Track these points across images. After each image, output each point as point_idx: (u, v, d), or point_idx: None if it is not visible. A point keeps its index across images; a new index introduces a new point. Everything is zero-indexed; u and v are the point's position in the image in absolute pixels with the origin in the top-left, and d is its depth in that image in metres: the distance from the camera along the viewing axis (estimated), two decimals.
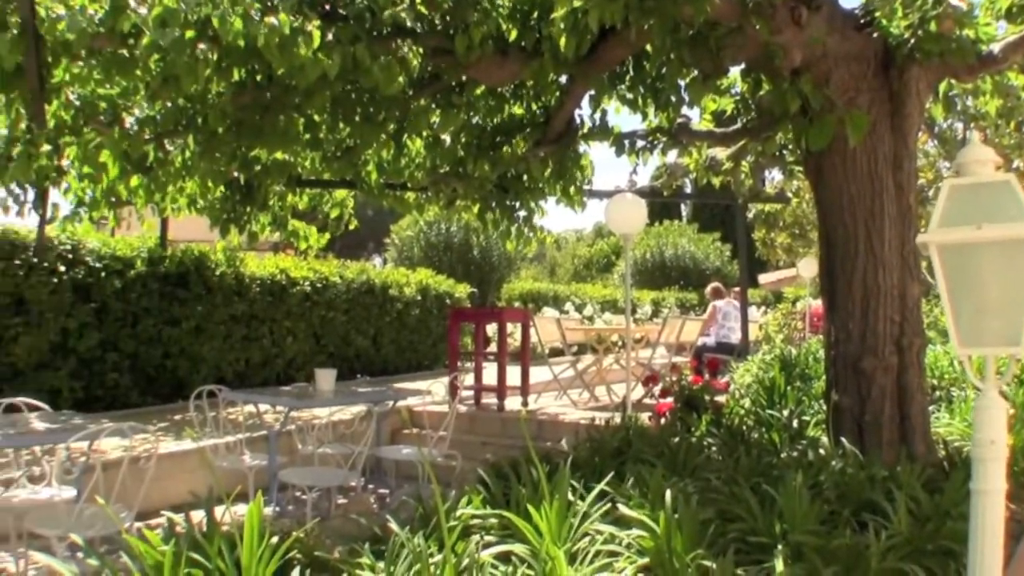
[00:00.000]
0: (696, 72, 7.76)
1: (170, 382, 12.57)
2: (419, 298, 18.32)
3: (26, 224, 10.73)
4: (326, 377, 8.14)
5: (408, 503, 5.08)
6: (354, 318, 16.35)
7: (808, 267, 17.26)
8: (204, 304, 12.98)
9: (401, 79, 7.49)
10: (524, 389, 11.87)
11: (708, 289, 16.50)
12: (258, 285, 14.09)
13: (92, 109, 8.16)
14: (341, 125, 9.26)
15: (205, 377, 12.62)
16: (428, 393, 9.03)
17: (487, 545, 4.11)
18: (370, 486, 9.02)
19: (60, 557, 5.08)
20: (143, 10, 6.37)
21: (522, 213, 11.64)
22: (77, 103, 8.11)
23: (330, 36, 6.84)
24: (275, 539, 3.67)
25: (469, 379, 12.19)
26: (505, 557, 4.12)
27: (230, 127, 8.05)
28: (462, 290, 20.29)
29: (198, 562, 3.42)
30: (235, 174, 10.27)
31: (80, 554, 5.33)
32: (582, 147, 10.82)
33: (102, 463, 5.30)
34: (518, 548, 4.10)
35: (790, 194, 18.34)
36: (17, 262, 10.80)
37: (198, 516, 3.90)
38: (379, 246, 40.13)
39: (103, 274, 11.68)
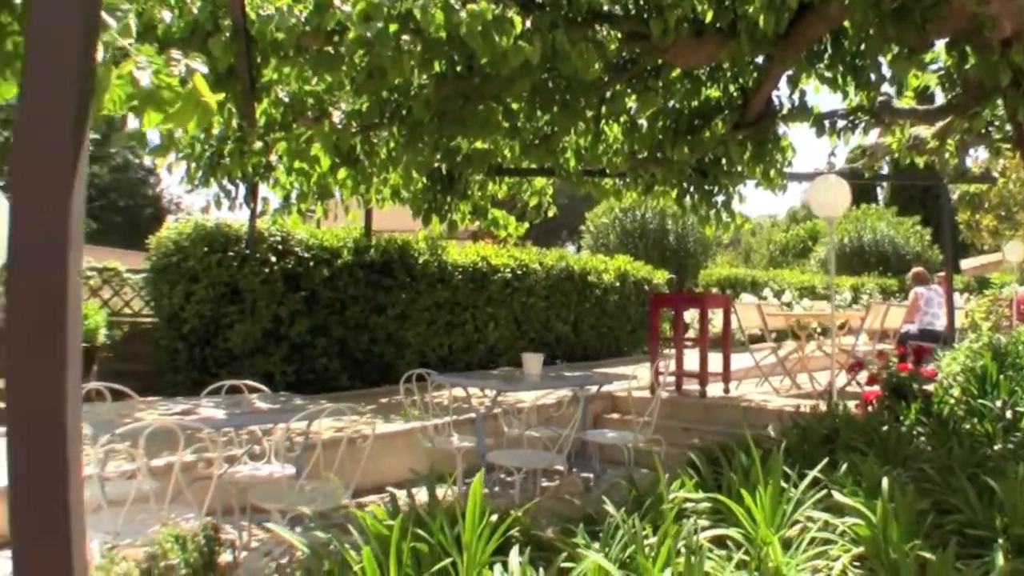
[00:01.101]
0: (899, 47, 7.47)
1: (376, 366, 12.89)
2: (617, 284, 18.22)
3: (237, 218, 11.19)
4: (533, 361, 8.19)
5: (619, 485, 5.06)
6: (554, 304, 16.34)
7: (1015, 251, 16.32)
8: (408, 291, 13.26)
9: (598, 65, 7.47)
10: (726, 375, 11.70)
11: (910, 274, 15.82)
12: (460, 273, 14.27)
13: (300, 105, 8.44)
14: (539, 113, 9.29)
15: (410, 362, 12.88)
16: (633, 378, 9.00)
17: (700, 529, 4.06)
18: (574, 469, 9.05)
19: (282, 526, 5.30)
20: (346, 7, 6.54)
21: (720, 198, 11.45)
22: (286, 100, 8.39)
23: (528, 23, 6.88)
24: (494, 517, 3.70)
25: (668, 365, 12.07)
26: (718, 541, 4.06)
27: (433, 117, 8.19)
28: (660, 276, 20.10)
29: (421, 537, 3.49)
30: (436, 164, 10.46)
31: (298, 528, 5.54)
32: (781, 128, 10.59)
33: (321, 442, 5.48)
34: (732, 532, 4.04)
35: (996, 173, 17.42)
36: (231, 253, 11.33)
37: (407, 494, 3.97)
38: (572, 233, 40.23)
39: (312, 264, 12.09)
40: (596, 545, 3.91)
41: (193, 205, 36.87)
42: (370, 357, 12.84)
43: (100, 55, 2.57)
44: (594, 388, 8.85)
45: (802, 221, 49.41)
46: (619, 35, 7.85)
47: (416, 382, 8.07)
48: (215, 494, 4.88)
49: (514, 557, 3.49)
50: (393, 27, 6.36)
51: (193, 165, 10.13)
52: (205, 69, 2.94)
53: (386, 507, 3.85)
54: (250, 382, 6.89)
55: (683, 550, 3.65)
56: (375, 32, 6.21)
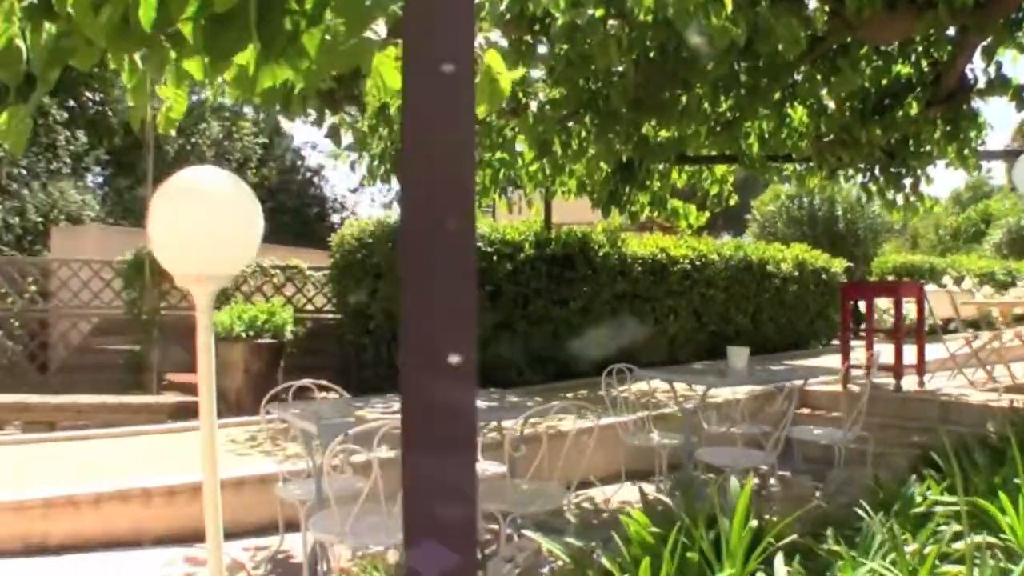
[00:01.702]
0: None
1: (559, 361, 12.75)
2: (796, 274, 17.69)
3: None
4: (739, 355, 7.90)
5: (849, 486, 4.76)
6: (733, 295, 15.91)
7: None
8: (590, 284, 13.08)
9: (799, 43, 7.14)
10: (920, 368, 11.11)
11: None
12: (640, 264, 14.02)
13: None
14: (723, 98, 9.00)
15: (592, 356, 12.72)
16: (842, 371, 8.62)
17: (957, 536, 3.74)
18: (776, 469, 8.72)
19: (504, 532, 5.16)
20: None
21: (907, 180, 10.92)
22: None
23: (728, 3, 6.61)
24: (753, 522, 3.48)
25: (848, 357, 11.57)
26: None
27: (630, 105, 7.97)
28: (838, 265, 19.42)
29: (686, 545, 3.28)
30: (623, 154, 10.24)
31: (508, 531, 5.40)
32: (976, 104, 10.04)
33: (547, 438, 5.31)
34: (992, 540, 3.71)
35: None
36: None
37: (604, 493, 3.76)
38: (729, 222, 39.38)
39: (495, 258, 12.01)
40: (854, 553, 3.64)
41: (357, 204, 37.54)
42: (553, 351, 12.70)
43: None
44: (799, 382, 8.50)
45: (968, 204, 47.30)
46: (826, 9, 7.50)
47: (615, 376, 7.87)
48: None
49: (780, 567, 3.26)
50: (599, 12, 6.17)
51: (375, 162, 10.13)
52: (504, 42, 2.77)
53: (644, 511, 3.64)
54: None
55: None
56: (584, 18, 6.02)
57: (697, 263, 15.11)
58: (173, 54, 3.04)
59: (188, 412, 11.11)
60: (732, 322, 15.92)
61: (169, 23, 2.51)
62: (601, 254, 13.38)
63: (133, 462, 7.91)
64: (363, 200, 67.40)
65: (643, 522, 3.46)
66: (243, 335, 10.52)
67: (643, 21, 6.26)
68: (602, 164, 10.19)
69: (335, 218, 34.89)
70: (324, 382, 6.35)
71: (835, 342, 18.38)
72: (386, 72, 2.79)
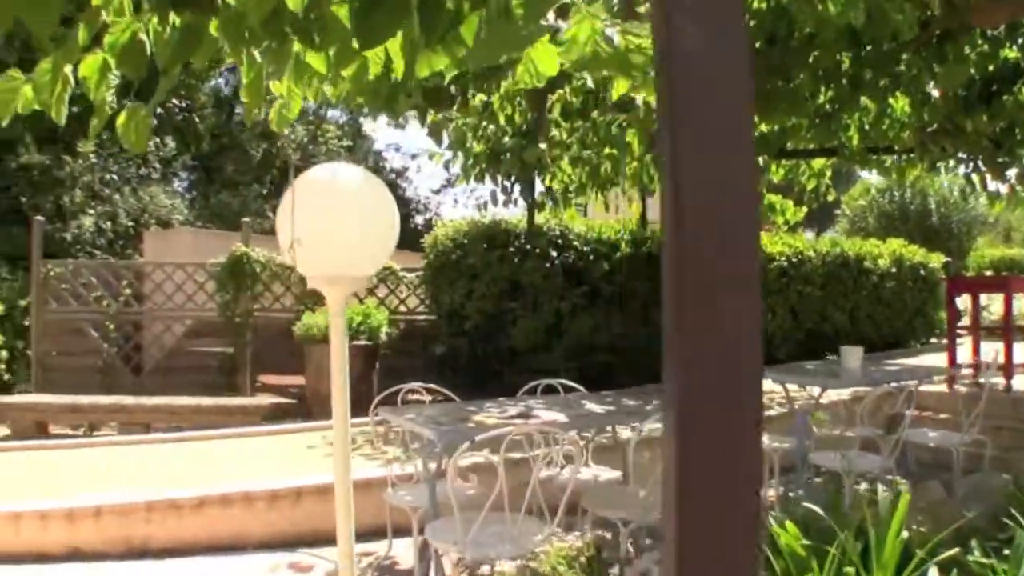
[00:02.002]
0: None
1: (656, 362, 12.42)
2: (893, 270, 17.17)
3: (513, 213, 11.10)
4: (853, 355, 7.57)
5: (980, 492, 4.47)
6: (831, 293, 15.46)
7: None
8: None
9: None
10: None
11: None
12: None
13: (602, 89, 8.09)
14: (822, 88, 8.71)
15: None
16: (949, 370, 8.24)
17: None
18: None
19: (624, 538, 4.94)
20: None
21: (1013, 171, 10.47)
22: (585, 88, 8.04)
23: None
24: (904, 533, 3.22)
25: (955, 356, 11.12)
26: None
27: None
28: (936, 260, 18.85)
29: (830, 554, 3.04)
30: None
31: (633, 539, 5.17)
32: None
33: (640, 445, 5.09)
34: None
35: None
36: (511, 249, 11.15)
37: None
38: (814, 219, 38.48)
39: (591, 257, 11.79)
40: (1005, 566, 3.37)
41: (441, 205, 37.58)
42: (650, 352, 12.43)
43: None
44: (912, 383, 8.15)
45: None
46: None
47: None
48: (538, 498, 4.57)
49: None
50: None
51: (470, 161, 10.00)
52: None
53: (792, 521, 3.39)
54: (565, 381, 6.59)
55: None
56: None
57: (793, 260, 14.71)
58: (296, 47, 2.90)
59: (282, 414, 11.09)
60: (829, 320, 15.48)
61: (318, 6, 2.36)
62: None
63: (229, 465, 7.82)
64: (446, 201, 67.72)
65: (794, 533, 3.22)
66: None
67: (756, 8, 5.99)
68: None
69: (418, 220, 34.89)
70: (433, 386, 6.20)
71: (934, 340, 17.91)
72: (539, 58, 2.59)
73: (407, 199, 34.98)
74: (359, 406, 10.26)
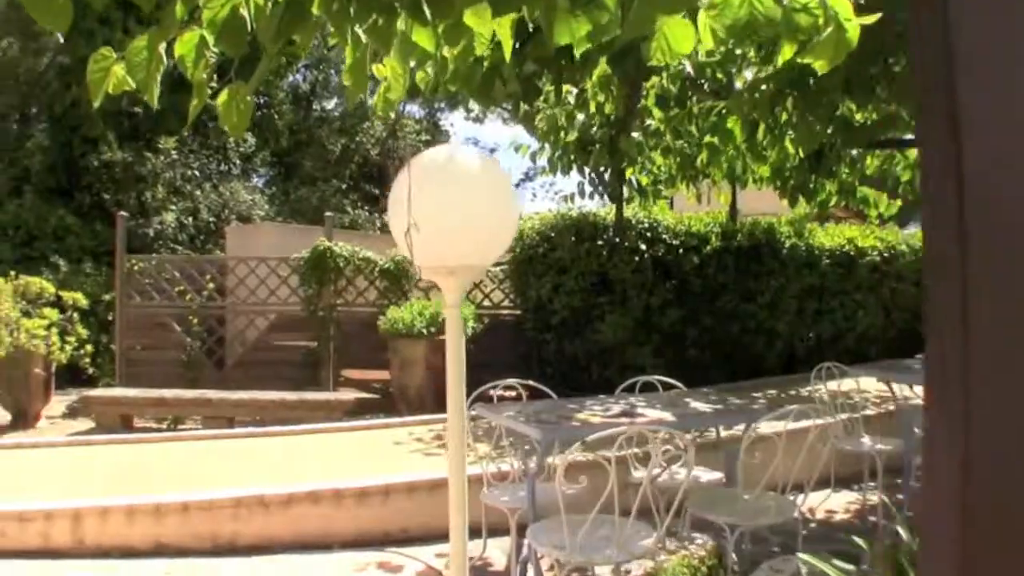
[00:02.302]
0: None
1: (745, 358, 12.13)
2: None
3: (600, 206, 10.82)
4: None
5: None
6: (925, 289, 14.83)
7: None
8: (777, 278, 12.40)
9: None
10: None
11: None
12: (827, 257, 13.23)
13: (701, 75, 7.75)
14: None
15: (779, 353, 12.11)
16: None
17: None
18: None
19: (732, 545, 4.64)
20: None
21: None
22: (684, 73, 7.70)
23: None
24: None
25: None
26: None
27: (839, 84, 7.27)
28: None
29: None
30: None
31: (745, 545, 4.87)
32: None
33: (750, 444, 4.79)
34: None
35: None
36: (600, 242, 10.87)
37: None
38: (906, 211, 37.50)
39: (680, 251, 11.47)
40: None
41: (520, 196, 37.40)
42: (739, 348, 12.08)
43: None
44: None
45: None
46: None
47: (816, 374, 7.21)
48: (642, 500, 4.28)
49: None
50: None
51: (558, 153, 9.74)
52: None
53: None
54: (664, 378, 6.29)
55: None
56: None
57: (886, 255, 14.17)
58: (401, 25, 2.68)
59: (366, 409, 10.92)
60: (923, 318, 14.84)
61: None
62: (788, 246, 12.66)
63: (314, 461, 7.65)
64: (523, 195, 67.23)
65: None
66: (424, 332, 10.20)
67: None
68: (800, 149, 9.51)
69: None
70: (529, 382, 5.94)
71: None
72: (674, 34, 2.32)
73: None
74: (445, 401, 10.12)
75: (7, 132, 21.87)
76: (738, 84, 7.57)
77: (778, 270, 12.39)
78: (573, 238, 10.91)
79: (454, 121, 35.49)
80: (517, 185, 37.02)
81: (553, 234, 11.03)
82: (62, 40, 20.34)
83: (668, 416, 4.90)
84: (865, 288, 13.65)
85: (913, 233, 15.58)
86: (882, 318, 13.96)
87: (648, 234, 11.34)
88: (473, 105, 31.18)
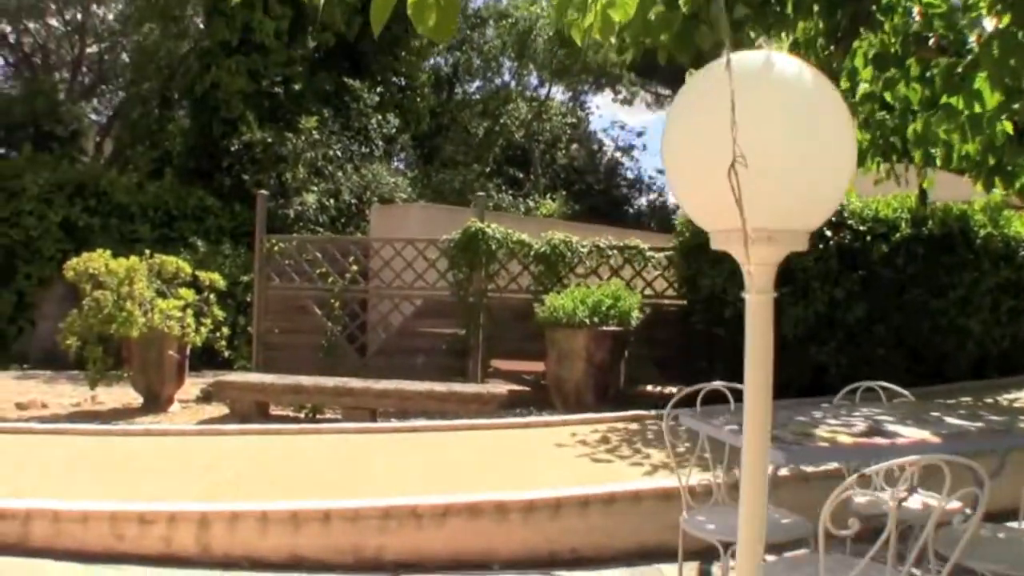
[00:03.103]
0: None
1: (932, 359, 10.92)
2: None
3: None
4: None
5: None
6: None
7: None
8: (970, 271, 11.12)
9: None
10: None
11: None
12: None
13: (927, 29, 6.62)
14: None
15: (970, 354, 10.95)
16: None
17: None
18: None
19: None
20: None
21: None
22: (908, 25, 6.58)
23: None
24: None
25: None
26: None
27: None
28: None
29: None
30: None
31: None
32: None
33: None
34: None
35: None
36: None
37: None
38: None
39: (868, 238, 10.31)
40: None
41: (663, 182, 36.21)
42: (928, 348, 10.87)
43: None
44: None
45: None
46: None
47: None
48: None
49: None
50: None
51: None
52: None
53: None
54: (886, 384, 5.26)
55: None
56: None
57: None
58: None
59: (519, 403, 10.10)
60: None
61: None
62: (982, 235, 11.37)
63: (467, 463, 6.78)
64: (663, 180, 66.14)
65: None
66: (586, 321, 9.28)
67: None
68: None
69: (642, 200, 33.62)
70: (737, 385, 4.96)
71: None
72: None
73: (630, 178, 33.73)
74: (606, 398, 9.13)
75: (149, 115, 21.85)
76: (971, 39, 6.43)
77: (971, 262, 11.14)
78: None
79: (601, 104, 33.96)
80: (662, 171, 35.90)
81: None
82: (202, 25, 20.20)
83: (927, 435, 3.87)
84: None
85: None
86: None
87: (833, 218, 10.22)
88: (621, 87, 30.15)
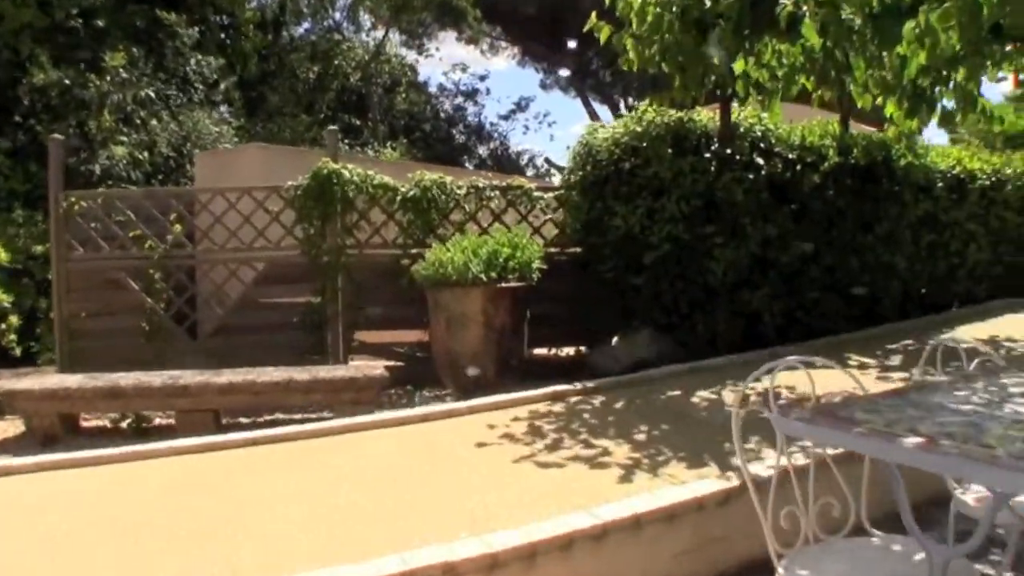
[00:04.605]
0: None
1: (863, 301, 9.78)
2: None
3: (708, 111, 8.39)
4: None
5: None
6: None
7: None
8: (895, 204, 9.96)
9: None
10: None
11: None
12: (940, 180, 11.00)
13: None
14: None
15: (894, 296, 10.04)
16: None
17: None
18: None
19: None
20: None
21: None
22: None
23: None
24: None
25: None
26: None
27: None
28: None
29: None
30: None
31: None
32: None
33: None
34: None
35: None
36: (707, 155, 8.18)
37: None
38: None
39: (798, 167, 8.87)
40: None
41: (510, 132, 34.38)
42: (859, 288, 9.65)
43: None
44: None
45: None
46: None
47: None
48: None
49: None
50: None
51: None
52: None
53: None
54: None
55: None
56: None
57: (993, 180, 12.07)
58: None
59: (401, 382, 8.27)
60: None
61: None
62: (902, 165, 10.19)
63: (369, 488, 4.78)
64: (516, 128, 63.78)
65: None
66: (482, 277, 7.41)
67: None
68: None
69: (481, 150, 31.68)
70: (818, 359, 3.27)
71: None
72: None
73: (473, 126, 31.72)
74: (509, 369, 7.37)
75: None
76: None
77: (895, 195, 9.99)
78: (672, 150, 8.19)
79: (443, 44, 31.62)
80: (506, 117, 33.86)
81: (644, 144, 8.29)
82: None
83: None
84: (976, 217, 11.58)
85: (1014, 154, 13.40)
86: (989, 252, 11.80)
87: (762, 144, 8.69)
88: (468, 26, 28.06)
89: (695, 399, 6.58)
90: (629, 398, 6.65)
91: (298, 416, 7.60)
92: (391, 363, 8.80)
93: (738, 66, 8.16)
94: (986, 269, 11.92)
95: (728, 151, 8.28)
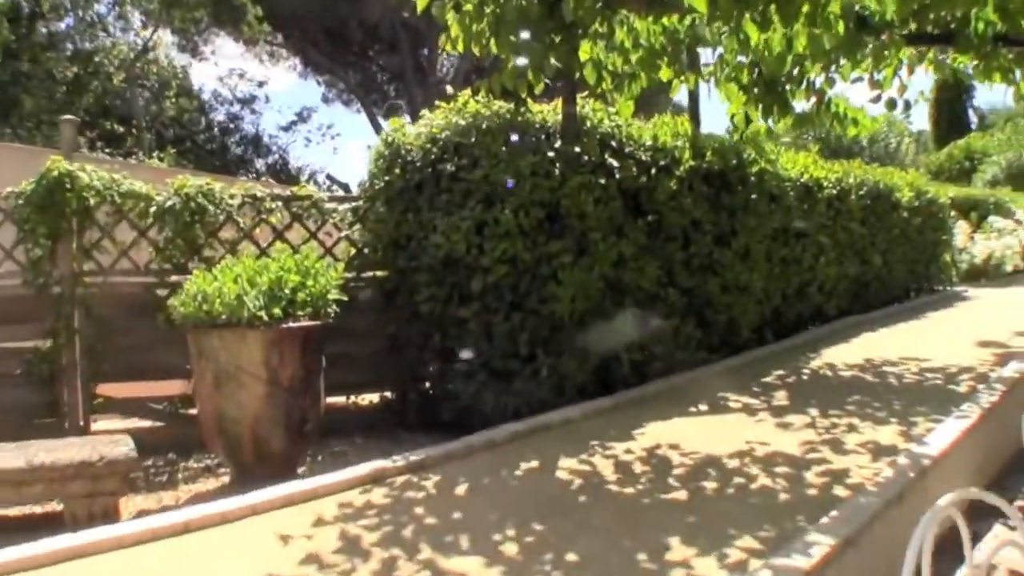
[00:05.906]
0: None
1: (720, 327, 8.63)
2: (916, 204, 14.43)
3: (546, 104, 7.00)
4: None
5: None
6: (872, 229, 12.58)
7: None
8: (750, 215, 8.92)
9: None
10: None
11: None
12: (791, 188, 10.21)
13: None
14: None
15: (752, 318, 9.08)
16: None
17: None
18: None
19: None
20: None
21: None
22: None
23: None
24: None
25: None
26: None
27: None
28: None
29: None
30: None
31: None
32: None
33: None
34: None
35: None
36: (550, 155, 6.53)
37: None
38: None
39: (652, 172, 7.44)
40: None
41: (290, 144, 32.32)
42: (717, 312, 8.54)
43: None
44: None
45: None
46: None
47: None
48: None
49: None
50: None
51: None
52: None
53: None
54: None
55: None
56: None
57: (837, 188, 11.62)
58: None
59: (157, 451, 6.31)
60: (870, 264, 12.56)
61: None
62: (754, 171, 9.09)
63: None
64: (296, 140, 61.66)
65: None
66: (261, 315, 5.53)
67: None
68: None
69: (259, 163, 29.63)
70: None
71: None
72: None
73: (250, 137, 29.64)
74: (303, 437, 5.83)
75: None
76: None
77: (750, 203, 8.87)
78: (504, 148, 6.49)
79: (219, 48, 29.21)
80: (287, 128, 31.85)
81: (471, 140, 6.54)
82: None
83: None
84: (824, 228, 11.07)
85: (851, 162, 13.11)
86: (836, 265, 11.38)
87: (613, 143, 7.17)
88: (247, 26, 25.92)
89: (561, 473, 4.92)
90: (471, 476, 4.93)
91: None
92: (148, 423, 6.84)
93: (584, 50, 6.84)
94: (835, 284, 11.29)
95: (576, 149, 6.67)
